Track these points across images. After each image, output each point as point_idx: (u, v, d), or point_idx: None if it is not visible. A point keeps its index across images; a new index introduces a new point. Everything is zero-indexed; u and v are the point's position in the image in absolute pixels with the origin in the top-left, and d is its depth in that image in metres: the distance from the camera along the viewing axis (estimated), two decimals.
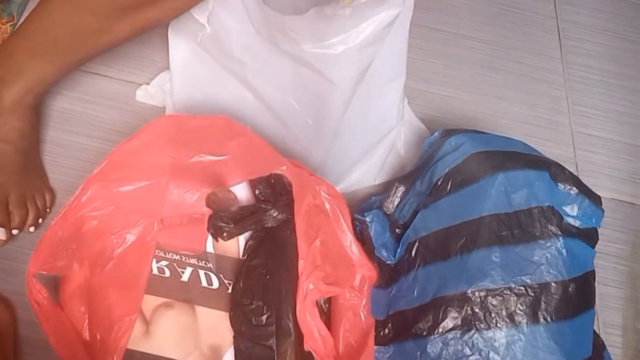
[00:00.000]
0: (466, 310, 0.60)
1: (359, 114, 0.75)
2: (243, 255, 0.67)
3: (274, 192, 0.69)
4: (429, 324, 0.62)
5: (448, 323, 0.61)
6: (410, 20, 0.74)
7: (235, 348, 0.63)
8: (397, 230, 0.71)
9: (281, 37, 0.68)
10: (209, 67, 0.78)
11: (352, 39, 0.65)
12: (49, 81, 0.69)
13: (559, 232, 0.63)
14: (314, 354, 0.61)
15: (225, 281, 0.66)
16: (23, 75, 0.67)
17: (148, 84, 0.85)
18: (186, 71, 0.80)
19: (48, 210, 0.74)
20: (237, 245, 0.68)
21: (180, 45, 0.79)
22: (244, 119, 0.71)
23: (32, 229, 0.71)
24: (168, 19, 0.68)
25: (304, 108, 0.74)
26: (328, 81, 0.68)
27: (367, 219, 0.71)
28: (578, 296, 0.62)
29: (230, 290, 0.66)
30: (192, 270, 0.67)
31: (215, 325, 0.65)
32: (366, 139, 0.81)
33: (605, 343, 0.71)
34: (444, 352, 0.60)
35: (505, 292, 0.60)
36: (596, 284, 0.67)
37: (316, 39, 0.66)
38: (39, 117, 0.75)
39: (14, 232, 0.70)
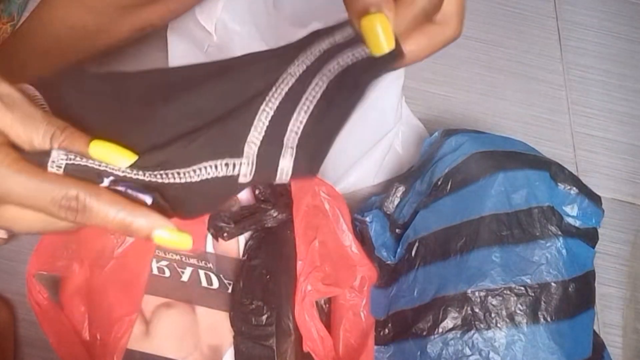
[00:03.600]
0: (466, 310, 0.60)
1: (358, 117, 0.75)
2: (243, 255, 0.67)
3: (274, 192, 0.69)
4: (429, 324, 0.62)
5: (448, 323, 0.61)
6: None
7: (235, 348, 0.63)
8: (397, 230, 0.71)
9: None
10: None
11: None
12: None
13: (559, 232, 0.63)
14: (313, 355, 0.61)
15: (225, 281, 0.66)
16: (25, 75, 0.67)
17: None
18: None
19: None
20: (237, 245, 0.68)
21: (182, 53, 0.78)
22: None
23: None
24: (167, 20, 0.68)
25: None
26: None
27: (367, 219, 0.71)
28: (578, 296, 0.62)
29: (230, 290, 0.66)
30: (192, 270, 0.67)
31: (215, 325, 0.65)
32: (364, 141, 0.81)
33: (605, 343, 0.71)
34: (444, 352, 0.60)
35: (505, 292, 0.60)
36: (596, 284, 0.66)
37: None
38: None
39: None
